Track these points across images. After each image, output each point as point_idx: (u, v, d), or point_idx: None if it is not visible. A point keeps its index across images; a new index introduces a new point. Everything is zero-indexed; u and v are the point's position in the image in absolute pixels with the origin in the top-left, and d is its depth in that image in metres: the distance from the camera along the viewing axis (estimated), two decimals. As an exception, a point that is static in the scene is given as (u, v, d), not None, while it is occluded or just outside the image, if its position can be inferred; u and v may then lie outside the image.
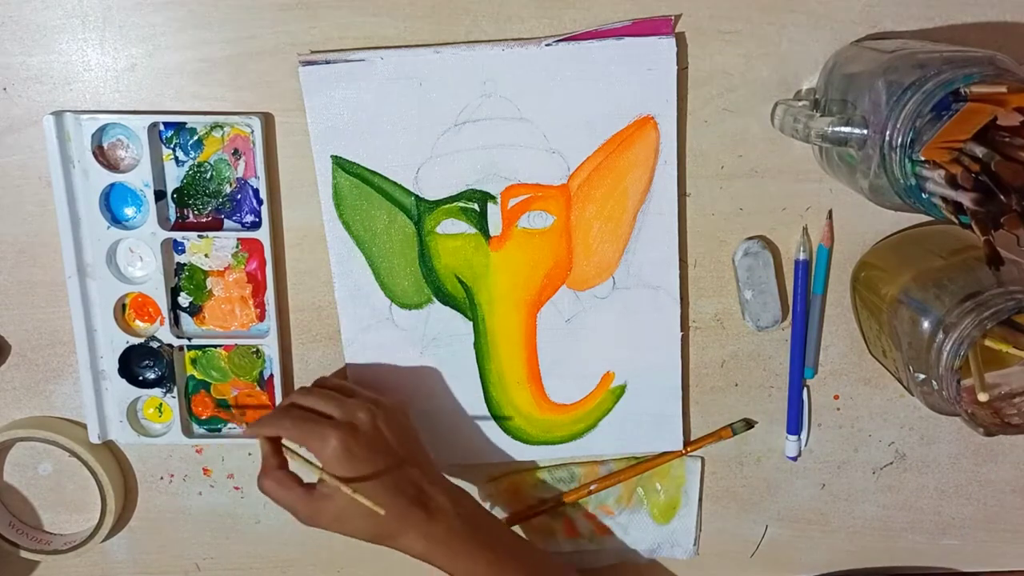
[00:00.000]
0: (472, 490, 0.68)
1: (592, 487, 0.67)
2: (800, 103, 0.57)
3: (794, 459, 0.68)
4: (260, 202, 0.60)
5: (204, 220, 0.61)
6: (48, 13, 0.57)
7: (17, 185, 0.60)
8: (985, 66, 0.47)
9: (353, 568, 0.70)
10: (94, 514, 0.65)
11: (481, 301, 0.63)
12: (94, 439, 0.64)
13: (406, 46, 0.58)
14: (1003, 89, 0.45)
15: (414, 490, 0.56)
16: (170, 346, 0.63)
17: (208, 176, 0.60)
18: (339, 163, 0.59)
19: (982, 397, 0.52)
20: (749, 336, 0.65)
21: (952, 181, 0.45)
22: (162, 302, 0.62)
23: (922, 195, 0.48)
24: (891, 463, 0.69)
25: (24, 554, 0.66)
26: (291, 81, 0.58)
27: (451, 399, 0.64)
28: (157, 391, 0.64)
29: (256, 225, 0.61)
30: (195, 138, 0.60)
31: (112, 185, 0.60)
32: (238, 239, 0.61)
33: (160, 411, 0.65)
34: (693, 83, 0.59)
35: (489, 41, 0.58)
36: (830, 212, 0.62)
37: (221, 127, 0.59)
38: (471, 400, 0.65)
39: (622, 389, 0.65)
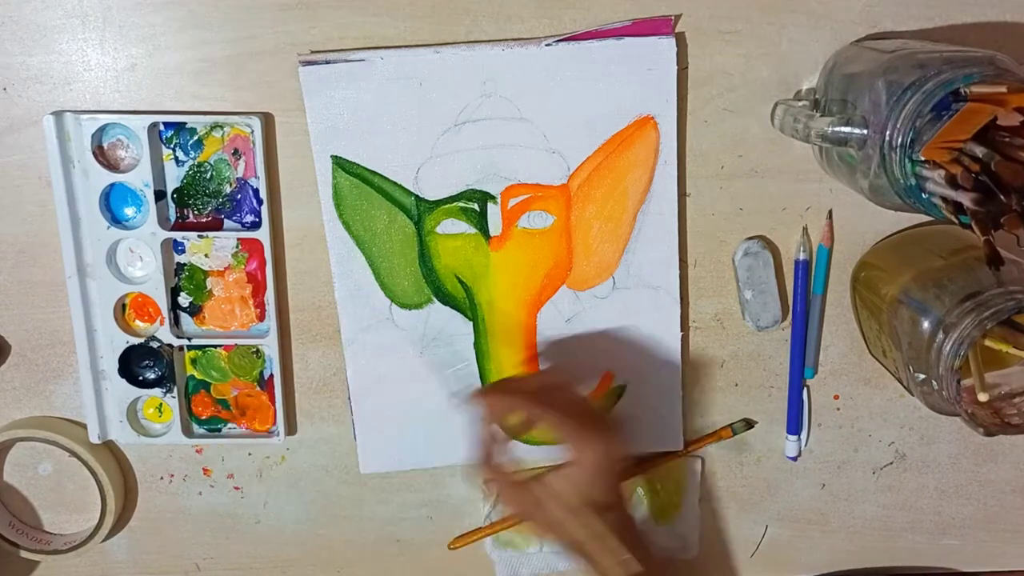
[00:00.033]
0: (471, 490, 0.68)
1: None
2: (800, 103, 0.57)
3: (794, 459, 0.68)
4: (260, 202, 0.60)
5: (204, 220, 0.61)
6: (48, 13, 0.57)
7: (17, 185, 0.60)
8: (985, 66, 0.47)
9: (353, 568, 0.70)
10: (94, 514, 0.65)
11: (481, 301, 0.63)
12: (94, 439, 0.64)
13: (406, 46, 0.58)
14: (1003, 89, 0.45)
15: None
16: (170, 346, 0.63)
17: (208, 176, 0.60)
18: (339, 163, 0.59)
19: (982, 397, 0.52)
20: (749, 336, 0.65)
21: (952, 181, 0.45)
22: (162, 302, 0.62)
23: (922, 195, 0.48)
24: (891, 463, 0.69)
25: (24, 554, 0.67)
26: (291, 81, 0.58)
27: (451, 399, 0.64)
28: (157, 391, 0.64)
29: (256, 225, 0.61)
30: (195, 138, 0.60)
31: (112, 185, 0.60)
32: (238, 239, 0.61)
33: (160, 411, 0.65)
34: (693, 83, 0.59)
35: (489, 41, 0.58)
36: (830, 212, 0.62)
37: (221, 127, 0.59)
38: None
39: (622, 389, 0.65)
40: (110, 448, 0.66)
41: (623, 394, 0.65)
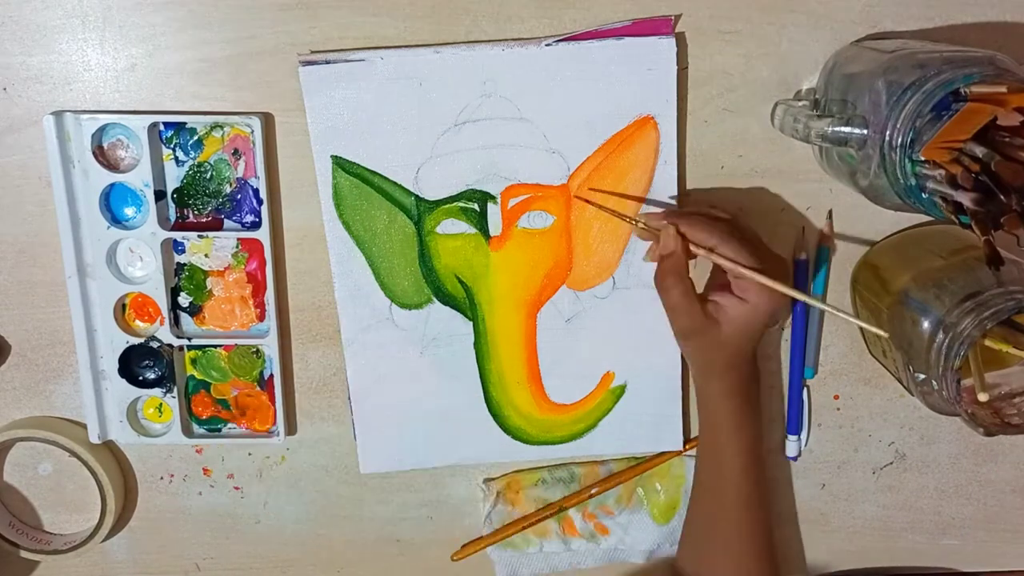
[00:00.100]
0: (472, 490, 0.68)
1: (593, 491, 0.67)
2: (800, 103, 0.57)
3: (794, 459, 0.68)
4: (260, 202, 0.60)
5: (204, 220, 0.61)
6: (48, 13, 0.57)
7: (17, 185, 0.60)
8: (985, 66, 0.47)
9: (353, 568, 0.70)
10: (94, 514, 0.65)
11: (481, 301, 0.63)
12: (94, 439, 0.64)
13: (406, 46, 0.58)
14: (1003, 89, 0.45)
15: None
16: (170, 346, 0.63)
17: (208, 176, 0.60)
18: (339, 163, 0.59)
19: (982, 397, 0.52)
20: (749, 336, 0.65)
21: (952, 181, 0.45)
22: (162, 302, 0.62)
23: (922, 195, 0.48)
24: (891, 463, 0.69)
25: (24, 554, 0.67)
26: (291, 81, 0.58)
27: (451, 399, 0.64)
28: (157, 391, 0.64)
29: (256, 225, 0.61)
30: (195, 138, 0.60)
31: (112, 185, 0.60)
32: (238, 239, 0.61)
33: (160, 411, 0.65)
34: (693, 83, 0.59)
35: (489, 41, 0.58)
36: (830, 212, 0.62)
37: (221, 127, 0.59)
38: (471, 400, 0.65)
39: (622, 389, 0.65)
40: (110, 448, 0.66)
41: (623, 394, 0.65)
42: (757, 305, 0.56)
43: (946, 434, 0.68)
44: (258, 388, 0.65)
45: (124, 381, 0.63)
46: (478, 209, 0.61)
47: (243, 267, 0.62)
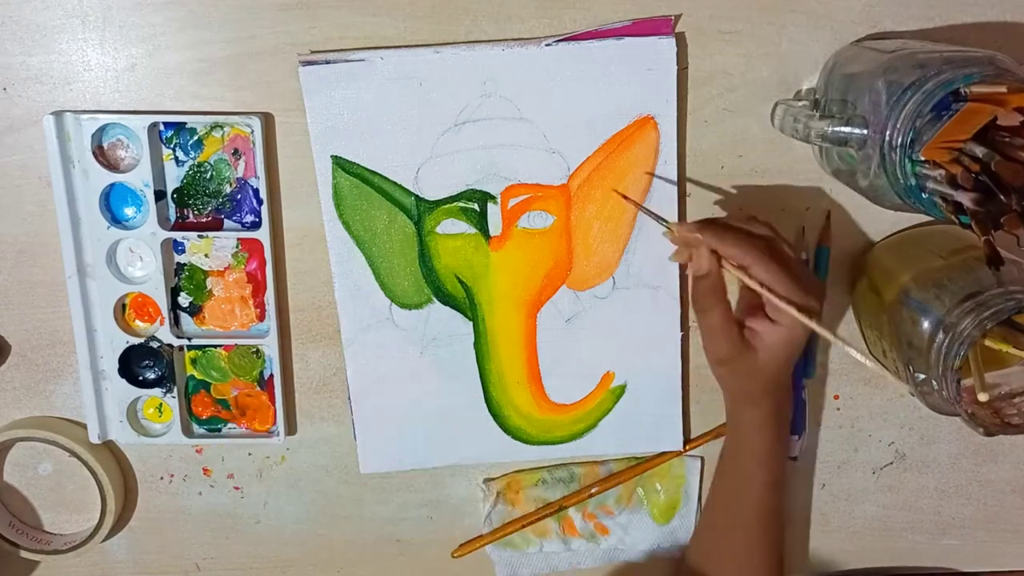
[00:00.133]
0: (472, 490, 0.68)
1: (593, 491, 0.67)
2: (800, 103, 0.57)
3: (794, 459, 0.68)
4: (260, 202, 0.60)
5: (204, 220, 0.61)
6: (48, 13, 0.57)
7: (17, 185, 0.60)
8: (985, 66, 0.47)
9: (353, 568, 0.70)
10: (94, 514, 0.65)
11: (481, 301, 0.63)
12: (94, 439, 0.64)
13: (406, 46, 0.58)
14: (1003, 89, 0.45)
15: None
16: (170, 346, 0.63)
17: (208, 176, 0.60)
18: (339, 163, 0.59)
19: (982, 397, 0.52)
20: (749, 336, 0.65)
21: (952, 181, 0.45)
22: (162, 302, 0.62)
23: (922, 195, 0.48)
24: (891, 463, 0.69)
25: (24, 554, 0.67)
26: (291, 81, 0.58)
27: (451, 399, 0.64)
28: (157, 391, 0.64)
29: (256, 225, 0.61)
30: (195, 138, 0.60)
31: (112, 185, 0.60)
32: (238, 239, 0.61)
33: (160, 411, 0.65)
34: (693, 83, 0.59)
35: (489, 41, 0.58)
36: (830, 212, 0.62)
37: (221, 127, 0.59)
38: (471, 400, 0.65)
39: (622, 389, 0.65)
40: (110, 448, 0.66)
41: (623, 394, 0.65)
42: (792, 329, 0.53)
43: (946, 434, 0.68)
44: (258, 388, 0.65)
45: (124, 381, 0.63)
46: (478, 209, 0.61)
47: (243, 267, 0.62)
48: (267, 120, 0.59)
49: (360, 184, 0.60)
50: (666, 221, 0.58)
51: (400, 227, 0.61)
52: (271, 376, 0.64)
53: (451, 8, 0.57)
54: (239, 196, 0.61)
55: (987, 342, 0.53)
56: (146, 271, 0.62)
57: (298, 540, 0.69)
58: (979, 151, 0.45)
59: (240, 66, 0.58)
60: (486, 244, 0.61)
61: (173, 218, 0.61)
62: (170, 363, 0.63)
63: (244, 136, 0.59)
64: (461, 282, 0.62)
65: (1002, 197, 0.44)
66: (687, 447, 0.67)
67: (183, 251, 0.62)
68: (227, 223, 0.61)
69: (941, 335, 0.53)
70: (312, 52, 0.57)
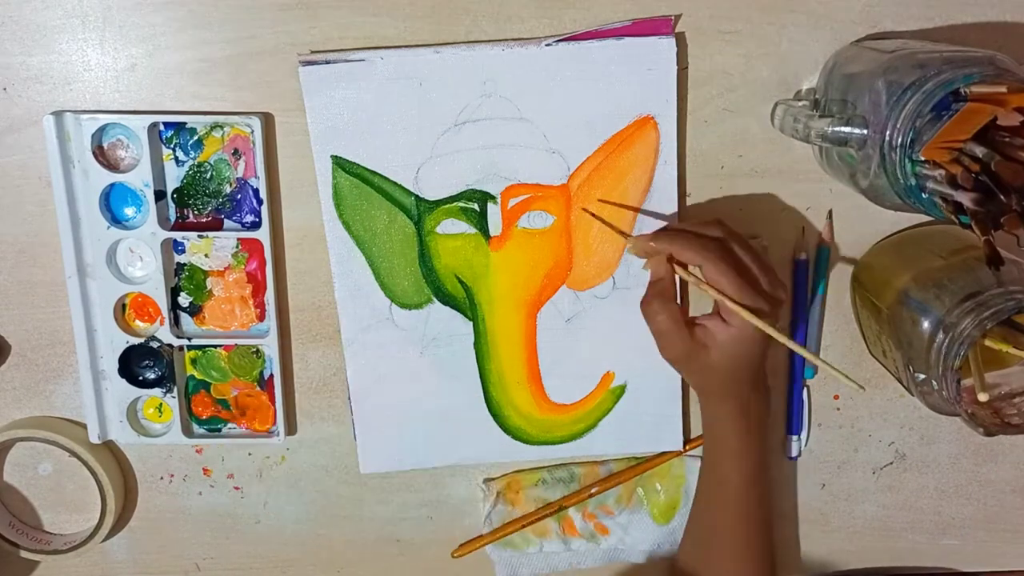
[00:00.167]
0: (472, 490, 0.68)
1: (593, 491, 0.67)
2: (800, 103, 0.57)
3: (794, 459, 0.68)
4: (260, 202, 0.60)
5: (204, 220, 0.61)
6: (48, 13, 0.57)
7: (17, 185, 0.60)
8: (985, 66, 0.47)
9: (353, 568, 0.70)
10: (94, 514, 0.65)
11: (481, 301, 0.63)
12: (94, 439, 0.64)
13: (406, 46, 0.58)
14: (1003, 89, 0.45)
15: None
16: (170, 346, 0.63)
17: (208, 176, 0.60)
18: (339, 163, 0.59)
19: (982, 397, 0.52)
20: (749, 336, 0.65)
21: (952, 181, 0.45)
22: (162, 302, 0.62)
23: (922, 195, 0.48)
24: (891, 463, 0.69)
25: (24, 554, 0.67)
26: (291, 81, 0.58)
27: (451, 399, 0.64)
28: (157, 391, 0.64)
29: (256, 225, 0.61)
30: (195, 138, 0.60)
31: (112, 185, 0.60)
32: (238, 239, 0.61)
33: (160, 411, 0.65)
34: (693, 83, 0.59)
35: (489, 41, 0.58)
36: (830, 212, 0.62)
37: (221, 127, 0.59)
38: (471, 400, 0.65)
39: (622, 389, 0.65)
40: (110, 448, 0.66)
41: (623, 394, 0.65)
42: (742, 329, 0.53)
43: (946, 434, 0.68)
44: (258, 388, 0.65)
45: (124, 381, 0.63)
46: (478, 209, 0.61)
47: (243, 267, 0.62)
48: (267, 120, 0.59)
49: (360, 184, 0.60)
50: (625, 234, 0.59)
51: (400, 227, 0.61)
52: (271, 376, 0.64)
53: (451, 8, 0.57)
54: (239, 196, 0.61)
55: (987, 342, 0.53)
56: (146, 271, 0.62)
57: (298, 540, 0.69)
58: (979, 151, 0.45)
59: (240, 66, 0.58)
60: (486, 244, 0.61)
61: (173, 218, 0.61)
62: (170, 363, 0.63)
63: (244, 136, 0.59)
64: (461, 282, 0.62)
65: (1002, 197, 0.44)
66: (687, 447, 0.67)
67: (183, 251, 0.62)
68: (227, 223, 0.61)
69: (941, 335, 0.53)
70: (312, 52, 0.57)
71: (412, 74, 0.58)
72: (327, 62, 0.57)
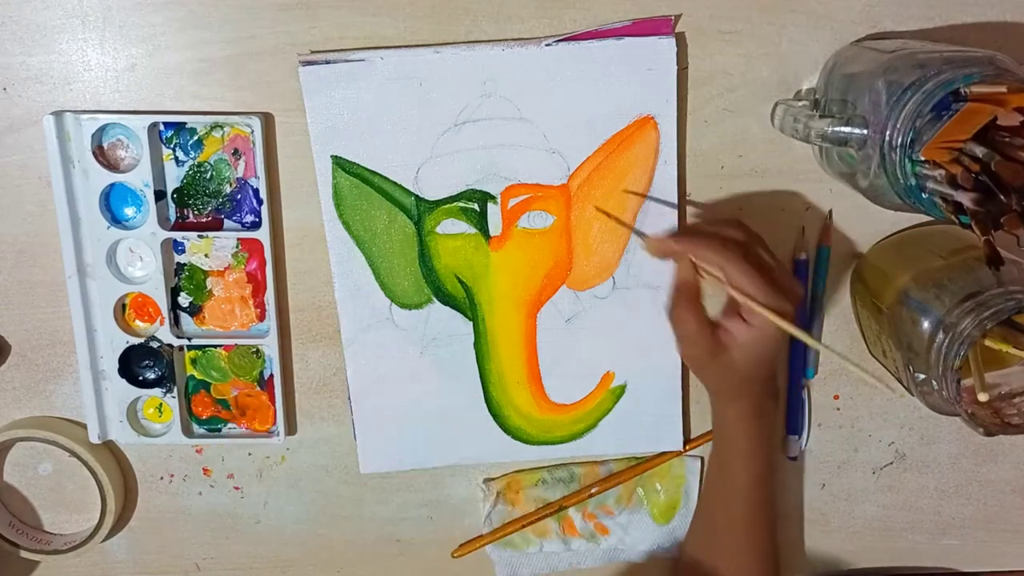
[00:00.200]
0: (471, 490, 0.68)
1: (593, 491, 0.67)
2: (800, 103, 0.57)
3: (794, 459, 0.68)
4: (260, 202, 0.60)
5: (204, 220, 0.61)
6: (48, 13, 0.57)
7: (17, 185, 0.60)
8: (985, 66, 0.47)
9: (353, 568, 0.70)
10: (94, 514, 0.65)
11: (481, 301, 0.63)
12: (94, 439, 0.64)
13: (406, 46, 0.58)
14: (1003, 89, 0.45)
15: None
16: (170, 346, 0.63)
17: (208, 176, 0.60)
18: (339, 163, 0.59)
19: (982, 397, 0.52)
20: (749, 336, 0.65)
21: (952, 181, 0.45)
22: (162, 302, 0.62)
23: (922, 195, 0.48)
24: (891, 463, 0.69)
25: (24, 554, 0.67)
26: (291, 81, 0.58)
27: (451, 399, 0.64)
28: (157, 391, 0.64)
29: (256, 225, 0.61)
30: (195, 138, 0.60)
31: (112, 185, 0.60)
32: (238, 239, 0.61)
33: (160, 411, 0.65)
34: (693, 83, 0.59)
35: (489, 41, 0.58)
36: (830, 212, 0.62)
37: (221, 127, 0.59)
38: (471, 400, 0.65)
39: (622, 389, 0.65)
40: (110, 448, 0.66)
41: (623, 394, 0.65)
42: (763, 330, 0.54)
43: (946, 434, 0.68)
44: (258, 388, 0.65)
45: (124, 381, 0.63)
46: (478, 209, 0.61)
47: (243, 267, 0.62)
48: (267, 120, 0.59)
49: (360, 184, 0.60)
50: (641, 234, 0.59)
51: (400, 227, 0.61)
52: (271, 376, 0.64)
53: (451, 8, 0.57)
54: (239, 196, 0.61)
55: (987, 342, 0.53)
56: (146, 271, 0.62)
57: (298, 540, 0.69)
58: (979, 151, 0.45)
59: (240, 66, 0.58)
60: (486, 244, 0.61)
61: (173, 218, 0.61)
62: (170, 363, 0.63)
63: (244, 136, 0.59)
64: (461, 282, 0.62)
65: (1002, 197, 0.44)
66: (687, 447, 0.67)
67: (183, 251, 0.62)
68: (227, 223, 0.61)
69: (941, 335, 0.53)
70: (312, 52, 0.57)
71: (412, 74, 0.58)
72: (327, 62, 0.57)
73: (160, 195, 0.60)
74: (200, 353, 0.64)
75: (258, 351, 0.64)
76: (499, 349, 0.64)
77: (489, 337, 0.63)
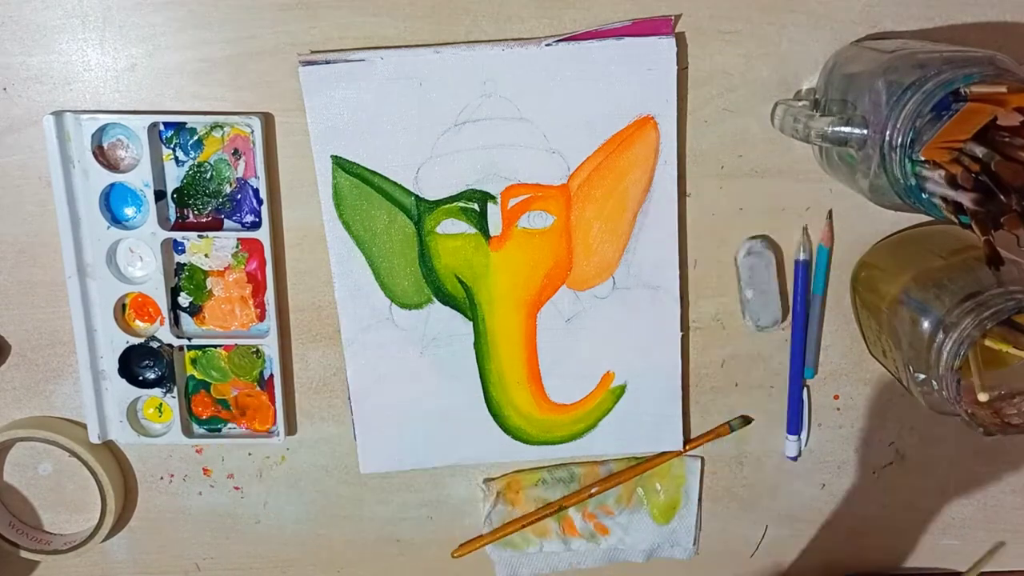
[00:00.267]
0: (472, 490, 0.68)
1: (593, 491, 0.67)
2: (800, 103, 0.57)
3: (794, 459, 0.68)
4: (260, 202, 0.60)
5: (204, 220, 0.61)
6: (48, 13, 0.57)
7: (17, 185, 0.60)
8: (985, 66, 0.47)
9: (353, 568, 0.70)
10: (94, 514, 0.65)
11: (481, 301, 0.63)
12: (94, 439, 0.64)
13: (406, 46, 0.58)
14: (1003, 89, 0.45)
15: None
16: (170, 346, 0.63)
17: (208, 176, 0.60)
18: (339, 163, 0.59)
19: (982, 397, 0.52)
20: (749, 336, 0.65)
21: (952, 181, 0.45)
22: (162, 302, 0.62)
23: (922, 195, 0.48)
24: (891, 463, 0.69)
25: (24, 554, 0.67)
26: (291, 81, 0.58)
27: (451, 399, 0.64)
28: (157, 391, 0.64)
29: (256, 225, 0.61)
30: (195, 138, 0.60)
31: (112, 185, 0.60)
32: (238, 239, 0.61)
33: (160, 411, 0.65)
34: (693, 83, 0.59)
35: (489, 41, 0.58)
36: (830, 212, 0.62)
37: (221, 127, 0.59)
38: (471, 400, 0.65)
39: (622, 389, 0.65)
40: (110, 448, 0.66)
41: (623, 394, 0.65)
42: None
43: (946, 434, 0.68)
44: (258, 388, 0.65)
45: (124, 381, 0.63)
46: (478, 209, 0.61)
47: (243, 267, 0.62)
48: (267, 120, 0.59)
49: (360, 184, 0.60)
50: None
51: (400, 227, 0.61)
52: (271, 376, 0.64)
53: (451, 8, 0.57)
54: (239, 196, 0.61)
55: (987, 342, 0.53)
56: (146, 271, 0.62)
57: (298, 540, 0.69)
58: (979, 151, 0.45)
59: (240, 66, 0.58)
60: (486, 244, 0.61)
61: (173, 218, 0.61)
62: (170, 363, 0.63)
63: (244, 136, 0.59)
64: (461, 282, 0.62)
65: (1002, 197, 0.44)
66: (687, 447, 0.67)
67: (183, 251, 0.62)
68: (227, 223, 0.61)
69: (941, 335, 0.53)
70: (312, 52, 0.57)
71: (412, 74, 0.58)
72: (327, 62, 0.57)
73: (160, 195, 0.60)
74: (200, 353, 0.64)
75: (258, 351, 0.64)
76: (499, 349, 0.64)
77: (489, 337, 0.63)
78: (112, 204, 0.61)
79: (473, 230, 0.61)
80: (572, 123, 0.59)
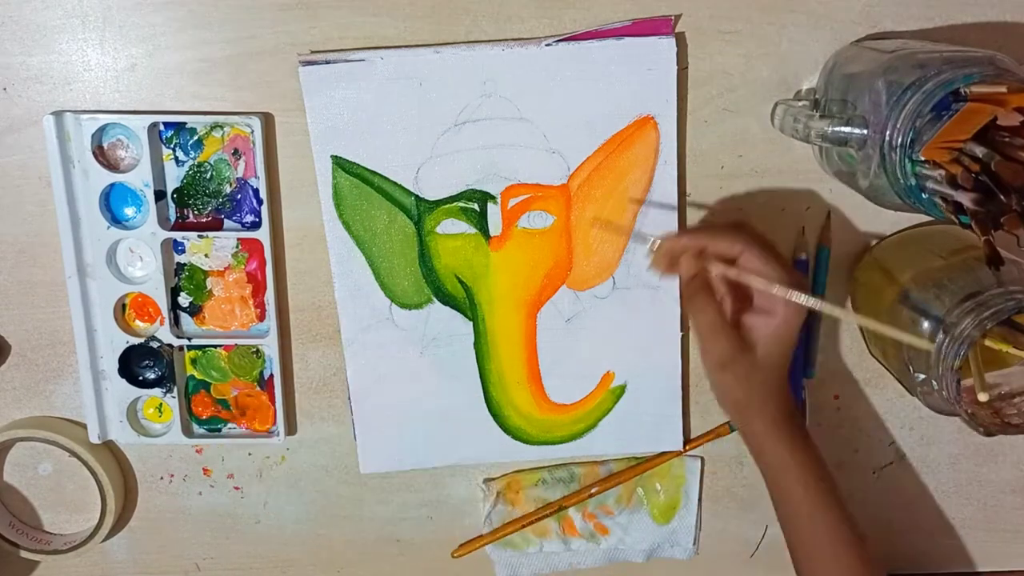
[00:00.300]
0: (472, 490, 0.68)
1: (593, 491, 0.67)
2: (800, 103, 0.57)
3: (794, 459, 0.67)
4: (260, 202, 0.60)
5: (204, 220, 0.61)
6: (48, 13, 0.57)
7: (17, 185, 0.60)
8: (985, 66, 0.47)
9: (353, 568, 0.70)
10: (94, 514, 0.65)
11: (481, 301, 0.63)
12: (94, 439, 0.64)
13: (406, 46, 0.58)
14: (1003, 89, 0.45)
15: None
16: (170, 346, 0.63)
17: (208, 176, 0.60)
18: (339, 163, 0.59)
19: (982, 397, 0.52)
20: (749, 336, 0.65)
21: (952, 181, 0.45)
22: (162, 302, 0.62)
23: (922, 195, 0.48)
24: (891, 463, 0.69)
25: (24, 554, 0.67)
26: (291, 81, 0.58)
27: (451, 399, 0.64)
28: (157, 391, 0.64)
29: (256, 225, 0.61)
30: (195, 138, 0.60)
31: (112, 185, 0.60)
32: (238, 239, 0.61)
33: (160, 411, 0.65)
34: (693, 83, 0.59)
35: (489, 41, 0.58)
36: (830, 212, 0.62)
37: (221, 127, 0.59)
38: (471, 400, 0.65)
39: (622, 389, 0.65)
40: (110, 448, 0.66)
41: (623, 394, 0.65)
42: (787, 318, 0.52)
43: (946, 434, 0.68)
44: (258, 388, 0.65)
45: (124, 381, 0.63)
46: (478, 209, 0.61)
47: (243, 267, 0.62)
48: (267, 120, 0.59)
49: (360, 184, 0.60)
50: (653, 236, 0.56)
51: (400, 227, 0.61)
52: (271, 376, 0.64)
53: (451, 8, 0.57)
54: (239, 196, 0.61)
55: (987, 342, 0.53)
56: (146, 271, 0.62)
57: (298, 540, 0.69)
58: (979, 151, 0.45)
59: (240, 66, 0.58)
60: (486, 244, 0.61)
61: (173, 218, 0.61)
62: (170, 363, 0.63)
63: (244, 136, 0.59)
64: (461, 282, 0.62)
65: (1002, 197, 0.44)
66: (687, 447, 0.67)
67: (183, 251, 0.62)
68: (227, 223, 0.61)
69: (941, 335, 0.53)
70: (312, 52, 0.57)
71: (412, 74, 0.58)
72: (327, 62, 0.57)
73: (160, 195, 0.60)
74: (200, 353, 0.64)
75: (258, 351, 0.64)
76: (499, 349, 0.64)
77: (489, 337, 0.63)
78: (112, 204, 0.61)
79: (473, 230, 0.61)
80: (572, 123, 0.59)
